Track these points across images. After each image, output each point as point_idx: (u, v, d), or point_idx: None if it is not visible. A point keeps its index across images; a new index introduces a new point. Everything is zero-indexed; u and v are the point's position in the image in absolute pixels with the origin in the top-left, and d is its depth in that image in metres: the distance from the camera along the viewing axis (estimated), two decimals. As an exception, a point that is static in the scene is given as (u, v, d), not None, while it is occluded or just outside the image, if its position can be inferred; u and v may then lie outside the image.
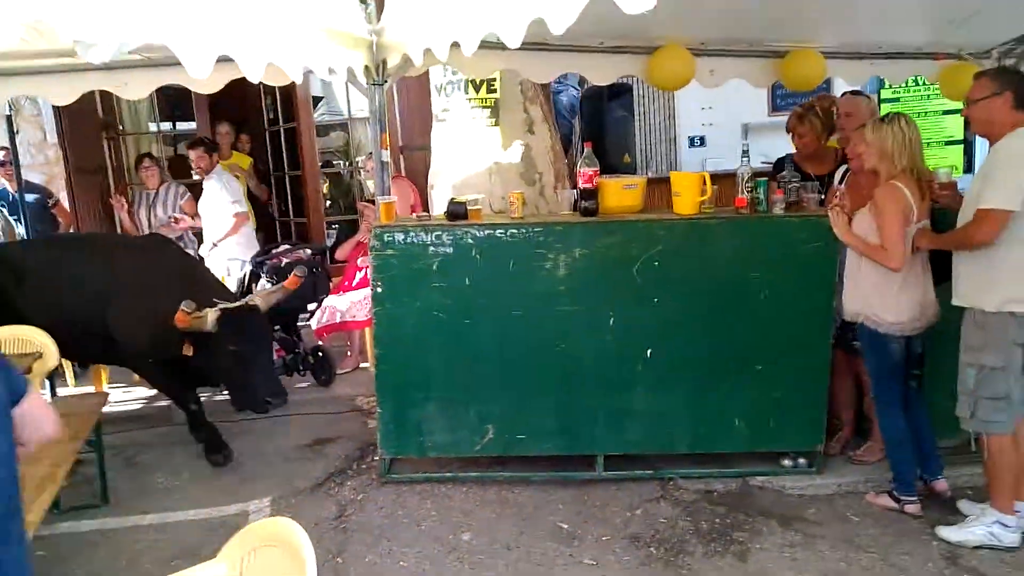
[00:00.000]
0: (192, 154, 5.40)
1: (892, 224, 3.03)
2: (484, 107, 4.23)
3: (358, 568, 3.04)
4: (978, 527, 3.01)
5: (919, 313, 3.15)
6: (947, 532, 3.07)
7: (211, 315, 3.55)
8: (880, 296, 3.15)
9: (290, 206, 7.59)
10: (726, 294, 3.48)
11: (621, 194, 3.55)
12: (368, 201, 5.45)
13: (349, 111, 7.91)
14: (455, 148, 4.46)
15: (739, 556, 3.05)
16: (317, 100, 8.82)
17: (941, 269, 3.17)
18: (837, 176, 3.76)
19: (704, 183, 3.48)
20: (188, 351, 3.59)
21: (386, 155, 3.76)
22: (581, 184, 3.47)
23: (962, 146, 6.65)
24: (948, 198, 3.22)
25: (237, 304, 3.74)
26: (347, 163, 8.57)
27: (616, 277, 3.46)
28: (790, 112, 4.10)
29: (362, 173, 7.65)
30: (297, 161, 7.30)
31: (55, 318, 3.88)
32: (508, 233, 3.45)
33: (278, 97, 7.30)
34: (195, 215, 5.61)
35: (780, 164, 3.99)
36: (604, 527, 3.29)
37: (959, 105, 3.26)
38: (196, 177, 5.54)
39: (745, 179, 3.45)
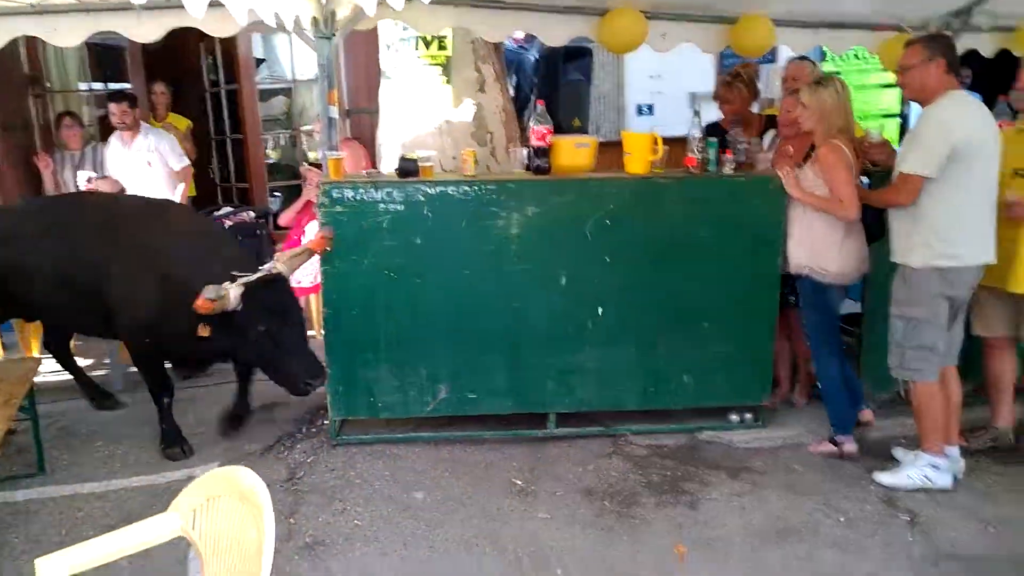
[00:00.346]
0: (115, 107, 5.08)
1: (843, 179, 3.16)
2: (435, 64, 4.15)
3: (311, 528, 3.01)
4: (912, 470, 3.18)
5: (858, 264, 3.33)
6: (883, 477, 3.23)
7: (233, 291, 3.01)
8: (826, 248, 3.29)
9: (232, 171, 7.35)
10: (676, 252, 3.52)
11: (574, 153, 3.54)
12: (314, 165, 5.31)
13: (293, 74, 7.66)
14: (405, 107, 4.38)
15: (689, 505, 3.13)
16: (259, 63, 8.53)
17: (872, 231, 3.35)
18: (765, 142, 3.86)
19: (655, 143, 3.51)
20: (205, 332, 3.10)
21: (334, 111, 3.67)
22: (534, 142, 3.45)
23: (899, 119, 6.85)
24: (883, 156, 3.33)
25: (259, 275, 3.15)
26: (289, 130, 8.33)
27: (568, 236, 3.47)
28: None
29: (305, 140, 7.46)
30: (239, 124, 7.07)
31: (51, 287, 3.56)
32: (460, 190, 3.41)
33: (219, 58, 7.03)
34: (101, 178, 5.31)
35: (710, 130, 4.07)
36: (557, 483, 3.33)
37: (895, 79, 3.39)
38: (124, 132, 5.23)
39: (696, 139, 3.48)
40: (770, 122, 3.98)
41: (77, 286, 3.51)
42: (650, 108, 6.68)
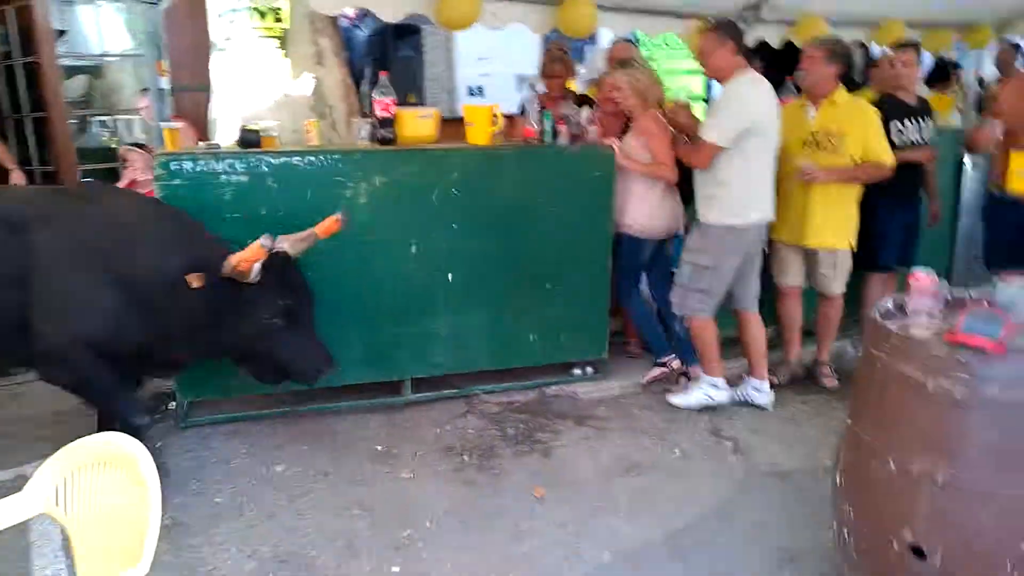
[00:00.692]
0: None
1: (665, 145, 3.57)
2: (271, 37, 4.07)
3: (168, 510, 2.85)
4: (696, 391, 3.70)
5: (671, 221, 3.79)
6: (674, 399, 3.73)
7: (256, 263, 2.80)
8: (644, 207, 3.72)
9: (34, 153, 6.68)
10: (518, 219, 3.73)
11: (417, 124, 3.64)
12: (135, 145, 4.99)
13: (101, 49, 7.07)
14: (239, 80, 4.26)
15: (543, 453, 3.37)
16: (60, 34, 7.78)
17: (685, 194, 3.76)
18: (583, 117, 4.19)
19: (494, 116, 3.70)
20: (197, 283, 2.72)
21: (164, 83, 3.51)
22: (379, 112, 3.51)
23: (704, 103, 7.51)
24: (688, 121, 3.71)
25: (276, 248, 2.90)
26: (98, 111, 7.70)
27: (416, 205, 3.57)
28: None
29: (112, 124, 6.94)
30: (39, 102, 6.43)
31: None
32: (306, 160, 3.40)
33: (12, 28, 6.36)
34: None
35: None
36: (417, 444, 3.44)
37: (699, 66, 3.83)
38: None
39: (534, 112, 3.71)
40: (583, 99, 4.34)
41: None
42: (480, 90, 6.88)
